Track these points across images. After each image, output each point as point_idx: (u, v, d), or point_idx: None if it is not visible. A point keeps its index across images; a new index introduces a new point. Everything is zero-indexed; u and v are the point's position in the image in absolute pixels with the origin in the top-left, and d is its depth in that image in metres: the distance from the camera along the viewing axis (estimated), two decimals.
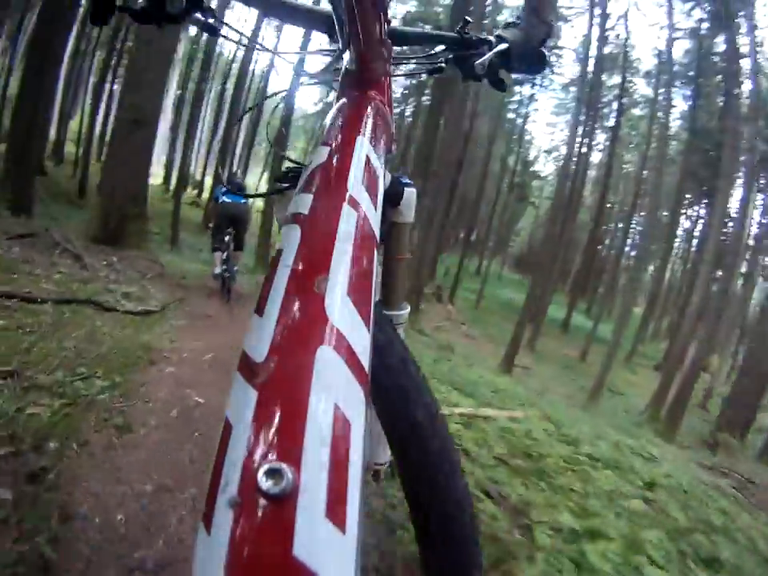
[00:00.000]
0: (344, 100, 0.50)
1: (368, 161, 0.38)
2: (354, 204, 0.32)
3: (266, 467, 0.17)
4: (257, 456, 0.18)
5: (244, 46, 0.67)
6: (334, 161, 0.37)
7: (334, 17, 0.49)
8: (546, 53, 0.62)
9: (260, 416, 0.20)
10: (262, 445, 0.19)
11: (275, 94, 0.77)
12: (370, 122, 0.45)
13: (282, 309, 0.24)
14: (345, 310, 0.25)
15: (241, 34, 0.60)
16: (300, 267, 0.27)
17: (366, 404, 0.23)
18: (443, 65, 0.69)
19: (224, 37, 0.58)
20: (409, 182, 0.62)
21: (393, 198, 0.61)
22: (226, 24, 0.58)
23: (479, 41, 0.65)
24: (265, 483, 0.17)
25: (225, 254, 4.64)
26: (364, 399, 0.23)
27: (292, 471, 0.17)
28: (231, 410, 0.21)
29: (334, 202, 0.32)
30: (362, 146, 0.39)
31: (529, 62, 0.62)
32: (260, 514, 0.17)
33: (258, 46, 0.72)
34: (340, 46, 0.53)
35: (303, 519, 0.17)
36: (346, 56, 0.52)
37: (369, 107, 0.49)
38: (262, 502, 0.17)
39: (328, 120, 0.45)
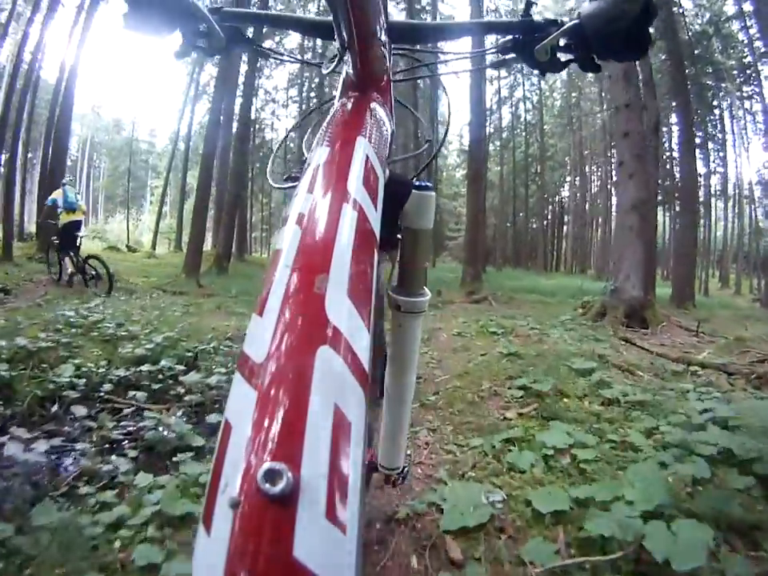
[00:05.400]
0: (344, 100, 0.50)
1: (368, 160, 0.38)
2: (354, 204, 0.32)
3: (266, 468, 0.17)
4: (257, 456, 0.18)
5: (276, 59, 0.76)
6: (334, 160, 0.36)
7: (332, 18, 0.49)
8: (647, 33, 0.51)
9: (260, 416, 0.20)
10: (262, 445, 0.18)
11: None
12: (370, 122, 0.45)
13: (282, 309, 0.24)
14: (345, 310, 0.25)
15: (270, 50, 0.72)
16: (300, 267, 0.27)
17: (365, 404, 0.23)
18: (505, 57, 0.62)
19: (266, 56, 0.71)
20: (422, 184, 0.56)
21: (393, 199, 0.56)
22: (260, 46, 0.71)
23: (547, 23, 0.57)
24: (265, 484, 0.17)
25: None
26: (364, 399, 0.23)
27: (292, 472, 0.17)
28: (231, 410, 0.21)
29: (334, 202, 0.32)
30: (362, 146, 0.39)
31: (618, 43, 0.52)
32: (260, 514, 0.17)
33: (291, 58, 0.82)
34: (339, 47, 0.53)
35: (303, 520, 0.17)
36: (346, 57, 0.52)
37: (369, 107, 0.48)
38: (262, 502, 0.17)
39: (328, 120, 0.45)
